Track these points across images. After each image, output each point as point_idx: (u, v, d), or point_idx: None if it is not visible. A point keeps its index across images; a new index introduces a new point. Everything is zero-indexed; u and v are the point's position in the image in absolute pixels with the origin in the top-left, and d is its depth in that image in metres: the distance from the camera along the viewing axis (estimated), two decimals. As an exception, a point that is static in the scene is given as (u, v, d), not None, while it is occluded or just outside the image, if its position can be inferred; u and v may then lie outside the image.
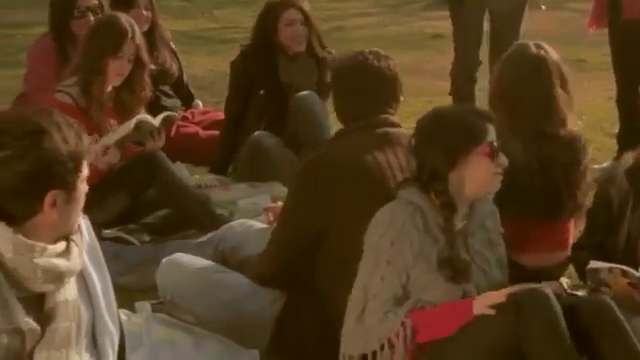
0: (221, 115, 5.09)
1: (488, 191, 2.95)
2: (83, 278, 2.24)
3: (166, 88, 5.06)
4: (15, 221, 2.10)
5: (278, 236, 3.22)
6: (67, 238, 2.19)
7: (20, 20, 9.11)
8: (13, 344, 2.07)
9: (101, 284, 2.27)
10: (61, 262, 2.14)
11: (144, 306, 3.40)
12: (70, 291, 2.18)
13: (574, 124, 3.57)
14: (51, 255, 2.13)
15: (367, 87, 3.15)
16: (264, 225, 3.56)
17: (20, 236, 2.09)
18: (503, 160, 2.91)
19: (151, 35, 4.84)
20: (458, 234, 2.88)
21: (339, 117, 3.25)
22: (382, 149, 3.12)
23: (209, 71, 7.28)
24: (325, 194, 3.09)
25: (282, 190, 4.45)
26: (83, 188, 2.18)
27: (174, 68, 5.14)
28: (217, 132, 4.95)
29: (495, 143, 2.90)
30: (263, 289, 3.25)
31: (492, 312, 2.71)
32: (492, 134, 2.91)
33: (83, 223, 2.27)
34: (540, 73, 3.50)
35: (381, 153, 3.11)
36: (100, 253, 2.31)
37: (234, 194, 4.46)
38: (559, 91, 3.50)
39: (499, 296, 2.75)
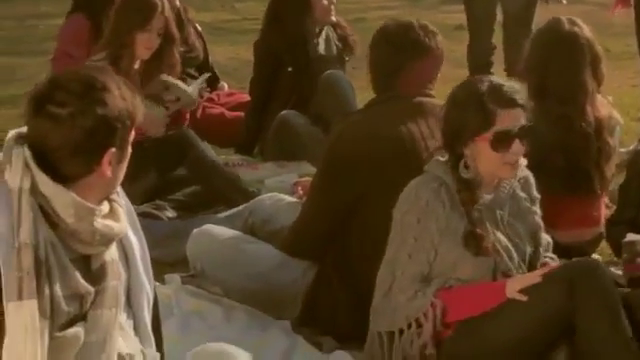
0: (246, 97, 5.08)
1: (499, 177, 2.84)
2: (120, 239, 2.23)
3: (191, 70, 5.05)
4: (68, 182, 2.07)
5: (309, 207, 3.20)
6: (109, 199, 2.17)
7: (42, 11, 9.23)
8: (73, 309, 2.07)
9: (138, 245, 2.26)
10: (114, 224, 2.13)
11: (173, 278, 3.39)
12: (113, 251, 2.17)
13: (603, 102, 3.55)
14: (106, 218, 2.12)
15: (418, 68, 3.11)
16: (294, 199, 3.54)
17: (81, 200, 2.06)
18: (515, 149, 2.76)
19: (178, 16, 4.84)
20: (485, 207, 2.83)
21: (375, 85, 3.21)
22: (415, 119, 3.10)
23: (231, 59, 7.30)
24: (356, 165, 3.06)
25: (310, 169, 4.44)
26: (130, 147, 2.17)
27: (200, 50, 5.13)
28: (243, 113, 4.95)
29: (509, 131, 2.74)
30: (294, 260, 3.23)
31: (524, 298, 2.67)
32: (508, 121, 2.75)
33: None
34: (571, 50, 3.47)
35: (414, 123, 3.09)
36: (135, 215, 2.30)
37: (261, 173, 4.45)
38: (589, 68, 3.48)
39: (533, 278, 2.71)
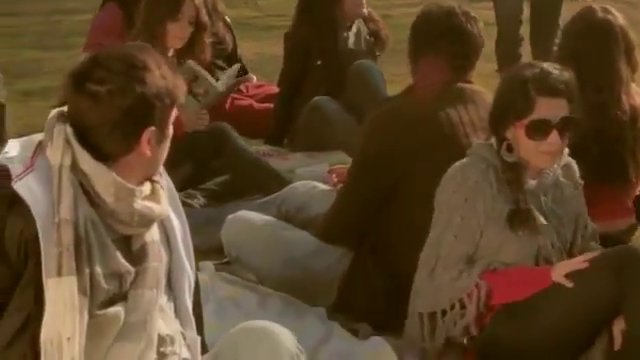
0: (275, 89, 5.08)
1: (536, 166, 2.82)
2: (162, 221, 2.22)
3: (220, 62, 5.05)
4: (109, 160, 2.07)
5: (346, 194, 3.19)
6: (151, 180, 2.16)
7: (67, 8, 9.31)
8: (113, 288, 2.07)
9: (180, 227, 2.25)
10: (154, 206, 2.12)
11: (207, 266, 3.39)
12: (154, 233, 2.16)
13: (637, 91, 3.53)
14: (147, 200, 2.11)
15: (460, 52, 3.11)
16: (328, 187, 3.54)
17: (121, 180, 2.06)
18: (552, 140, 2.73)
19: (206, 7, 4.83)
20: (529, 193, 2.81)
21: (415, 69, 3.20)
22: (454, 105, 3.08)
23: (256, 54, 7.30)
24: (394, 150, 3.05)
25: (340, 158, 4.43)
26: (172, 127, 2.16)
27: (228, 41, 5.13)
28: (271, 105, 4.94)
29: (547, 121, 2.72)
30: (329, 247, 3.23)
31: (570, 284, 2.66)
32: (547, 110, 2.73)
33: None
34: (605, 38, 3.45)
35: (453, 109, 3.08)
36: (178, 198, 2.29)
37: (292, 163, 4.44)
38: (623, 56, 3.46)
39: (579, 263, 2.69)
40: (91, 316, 2.03)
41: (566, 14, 5.39)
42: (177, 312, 2.24)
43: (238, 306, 3.15)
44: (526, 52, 5.74)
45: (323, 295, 3.17)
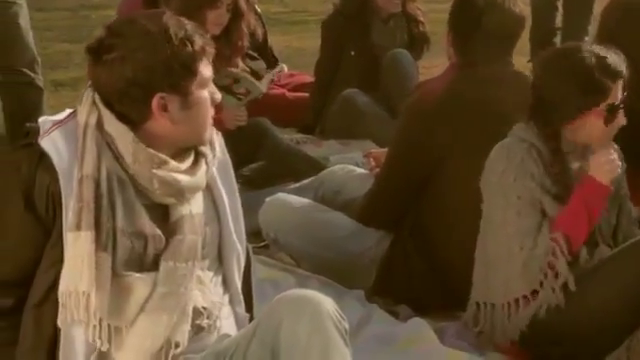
0: (306, 78, 5.09)
1: (597, 145, 2.80)
2: (212, 193, 2.20)
3: (250, 51, 5.05)
4: (134, 126, 2.07)
5: (385, 175, 3.17)
6: (197, 153, 2.15)
7: (94, 3, 9.40)
8: (136, 247, 2.05)
9: (230, 202, 2.23)
10: (183, 177, 2.09)
11: (244, 248, 3.37)
12: (196, 205, 2.14)
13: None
14: (173, 170, 2.09)
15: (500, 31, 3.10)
16: (365, 171, 3.52)
17: (140, 143, 2.06)
18: (620, 120, 2.76)
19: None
20: (574, 175, 2.79)
21: (457, 52, 3.17)
22: (499, 85, 3.06)
23: (285, 47, 7.34)
24: (436, 127, 3.03)
25: (374, 147, 4.42)
26: (203, 94, 2.11)
27: (259, 30, 5.12)
28: (303, 94, 4.94)
29: (616, 103, 2.74)
30: (368, 229, 3.21)
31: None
32: (616, 93, 2.74)
33: (217, 140, 2.22)
34: None
35: (497, 89, 3.05)
36: (232, 172, 2.27)
37: (325, 150, 4.44)
38: None
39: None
40: (116, 274, 2.02)
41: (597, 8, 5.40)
42: (227, 289, 2.22)
43: (277, 287, 3.12)
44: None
45: (361, 278, 3.15)
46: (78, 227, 2.01)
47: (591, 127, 2.76)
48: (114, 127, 2.06)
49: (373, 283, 3.15)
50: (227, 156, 2.25)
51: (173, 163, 2.10)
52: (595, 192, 2.71)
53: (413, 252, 3.11)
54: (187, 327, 2.09)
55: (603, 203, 2.75)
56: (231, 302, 2.23)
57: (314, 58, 5.16)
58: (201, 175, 2.14)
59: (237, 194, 2.26)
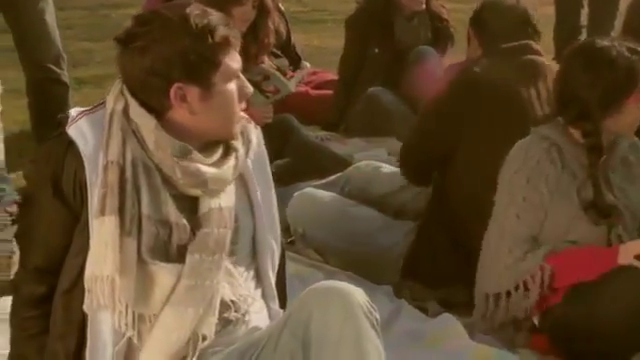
0: (329, 75, 5.08)
1: (629, 131, 2.83)
2: (246, 187, 2.19)
3: (274, 49, 5.05)
4: (157, 115, 2.08)
5: (415, 132, 3.25)
6: (228, 146, 2.13)
7: (113, 1, 9.41)
8: (161, 234, 2.04)
9: (264, 196, 2.21)
10: (208, 169, 2.08)
11: (271, 245, 3.36)
12: (226, 198, 2.13)
13: None
14: (198, 161, 2.08)
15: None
16: (392, 168, 3.51)
17: (162, 130, 2.06)
18: None
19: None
20: (599, 170, 2.78)
21: (484, 39, 3.18)
22: (524, 77, 3.06)
23: (305, 46, 7.34)
24: (459, 109, 3.07)
25: (398, 145, 4.40)
26: (227, 86, 2.08)
27: (282, 28, 5.12)
28: (327, 91, 4.94)
29: None
30: (396, 224, 3.22)
31: (639, 264, 2.61)
32: None
33: (254, 133, 2.21)
34: None
35: (523, 81, 3.05)
36: (268, 167, 2.25)
37: (350, 148, 4.42)
38: None
39: None
40: (142, 261, 2.02)
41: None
42: (259, 283, 2.21)
43: (305, 283, 3.11)
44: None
45: (389, 273, 3.15)
46: (102, 212, 2.02)
47: (630, 113, 2.74)
48: (138, 114, 2.07)
49: (401, 267, 3.15)
50: (264, 151, 2.24)
51: (197, 154, 2.08)
52: (608, 264, 2.68)
53: (437, 234, 3.13)
54: (214, 320, 2.08)
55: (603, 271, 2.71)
56: (264, 297, 2.22)
57: (334, 56, 5.16)
58: (228, 169, 2.11)
59: (272, 189, 2.24)
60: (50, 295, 2.11)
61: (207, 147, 2.12)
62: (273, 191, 2.25)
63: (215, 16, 2.08)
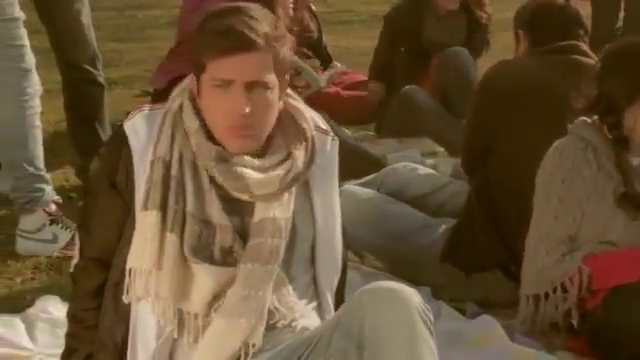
0: (360, 76, 5.09)
1: None
2: (309, 195, 2.17)
3: (305, 49, 5.05)
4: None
5: (466, 125, 3.31)
6: (289, 152, 2.11)
7: (139, 2, 9.46)
8: (205, 234, 2.05)
9: (327, 206, 2.18)
10: (252, 173, 2.06)
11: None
12: (282, 207, 2.10)
13: None
14: (242, 164, 2.07)
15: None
16: (428, 170, 3.51)
17: (202, 135, 2.07)
18: None
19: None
20: (634, 171, 2.77)
21: (534, 39, 3.19)
22: (566, 75, 3.06)
23: (333, 47, 7.34)
24: (496, 101, 3.11)
25: (431, 145, 4.41)
26: (211, 89, 2.06)
27: (313, 29, 5.13)
28: (358, 92, 4.94)
29: None
30: (434, 222, 3.22)
31: None
32: None
33: (328, 144, 2.19)
34: None
35: (564, 78, 3.04)
36: (335, 178, 2.22)
37: (383, 148, 4.43)
38: None
39: None
40: (184, 259, 2.03)
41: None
42: (316, 292, 2.18)
43: (343, 285, 3.13)
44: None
45: (428, 272, 3.14)
46: (145, 206, 2.05)
47: None
48: (187, 115, 2.10)
49: (442, 250, 3.15)
50: (334, 160, 2.21)
51: (240, 158, 2.06)
52: None
53: (478, 217, 3.14)
54: (262, 329, 2.07)
55: None
56: (320, 307, 2.18)
57: (362, 57, 5.17)
58: (277, 175, 2.08)
59: (337, 200, 2.21)
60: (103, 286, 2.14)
61: (266, 150, 2.11)
62: (337, 201, 2.21)
63: (235, 19, 2.05)
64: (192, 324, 2.06)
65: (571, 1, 3.25)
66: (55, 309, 2.99)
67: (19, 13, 3.52)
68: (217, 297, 2.06)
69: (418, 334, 1.95)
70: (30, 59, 3.54)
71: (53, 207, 3.59)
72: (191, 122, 2.09)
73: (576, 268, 2.72)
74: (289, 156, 2.11)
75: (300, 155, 2.12)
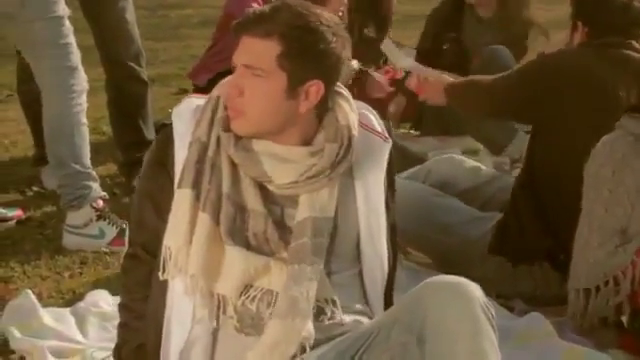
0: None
1: None
2: (354, 194, 2.16)
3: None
4: None
5: (504, 81, 3.24)
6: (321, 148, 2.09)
7: (171, 2, 9.50)
8: (239, 218, 2.06)
9: (368, 206, 2.17)
10: (268, 161, 2.07)
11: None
12: (322, 207, 2.09)
13: None
14: (262, 151, 2.08)
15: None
16: (475, 163, 3.49)
17: (219, 126, 2.11)
18: None
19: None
20: None
21: (591, 33, 3.16)
22: (614, 68, 3.05)
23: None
24: (547, 82, 3.08)
25: (472, 143, 4.40)
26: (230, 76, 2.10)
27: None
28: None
29: None
30: (483, 216, 3.21)
31: None
32: None
33: (379, 141, 2.18)
34: None
35: (611, 71, 3.04)
36: (382, 176, 2.20)
37: (424, 146, 4.41)
38: None
39: None
40: (218, 239, 2.04)
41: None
42: (363, 288, 2.18)
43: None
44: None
45: (476, 265, 3.10)
46: (180, 185, 2.07)
47: None
48: (221, 103, 2.13)
49: (490, 242, 3.14)
50: (384, 160, 2.20)
51: (266, 146, 2.08)
52: None
53: (524, 207, 3.13)
54: (311, 325, 2.07)
55: None
56: (368, 302, 2.19)
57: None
58: (300, 167, 2.08)
59: (381, 198, 2.19)
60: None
61: (309, 142, 2.11)
62: (382, 200, 2.19)
63: (270, 6, 2.09)
64: (223, 307, 2.05)
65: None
66: (105, 303, 3.01)
67: (64, 10, 3.54)
68: (247, 286, 2.06)
69: (481, 329, 1.94)
70: (76, 56, 3.56)
71: (100, 203, 3.61)
72: (220, 109, 2.12)
73: (629, 261, 2.70)
74: (319, 151, 2.10)
75: (331, 152, 2.10)
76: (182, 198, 2.06)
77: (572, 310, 2.84)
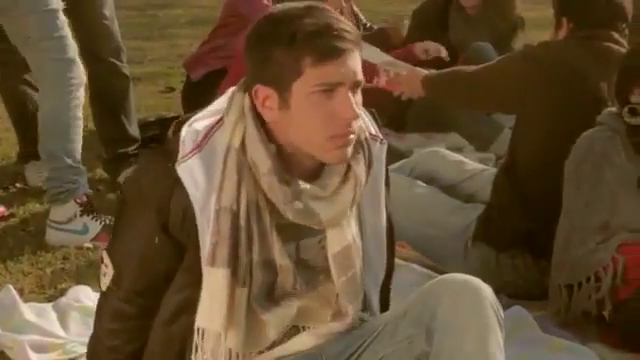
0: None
1: None
2: (359, 208, 2.07)
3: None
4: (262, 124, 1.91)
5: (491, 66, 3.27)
6: (348, 170, 1.93)
7: (160, 2, 9.51)
8: (266, 278, 1.94)
9: (374, 218, 2.11)
10: (322, 208, 1.91)
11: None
12: (348, 233, 2.01)
13: None
14: (311, 196, 1.91)
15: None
16: (459, 157, 3.50)
17: (274, 176, 1.88)
18: None
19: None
20: None
21: (574, 27, 3.17)
22: (595, 60, 3.05)
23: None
24: (523, 78, 3.07)
25: (458, 140, 4.40)
26: (308, 98, 1.84)
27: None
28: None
29: None
30: (468, 206, 3.21)
31: None
32: None
33: (378, 145, 2.05)
34: None
35: (592, 63, 3.05)
36: (382, 184, 2.10)
37: (409, 143, 4.42)
38: None
39: None
40: (251, 311, 1.93)
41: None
42: (366, 294, 2.13)
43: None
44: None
45: (461, 255, 3.12)
46: (213, 263, 1.89)
47: None
48: (255, 150, 1.88)
49: (474, 231, 3.14)
50: (382, 167, 2.10)
51: (309, 189, 1.90)
52: None
53: (506, 194, 3.12)
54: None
55: None
56: (366, 300, 2.14)
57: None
58: (346, 202, 1.94)
59: (383, 211, 2.13)
60: (138, 315, 2.02)
61: (321, 171, 1.94)
62: (383, 204, 2.13)
63: (324, 17, 1.86)
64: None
65: None
66: (87, 298, 3.00)
67: (57, 4, 3.51)
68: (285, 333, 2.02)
69: (489, 325, 1.94)
70: (72, 49, 3.52)
71: (84, 198, 3.59)
72: (260, 158, 1.87)
73: (610, 257, 2.71)
74: (349, 171, 1.94)
75: (360, 167, 1.95)
76: (216, 278, 1.90)
77: (555, 306, 2.85)
